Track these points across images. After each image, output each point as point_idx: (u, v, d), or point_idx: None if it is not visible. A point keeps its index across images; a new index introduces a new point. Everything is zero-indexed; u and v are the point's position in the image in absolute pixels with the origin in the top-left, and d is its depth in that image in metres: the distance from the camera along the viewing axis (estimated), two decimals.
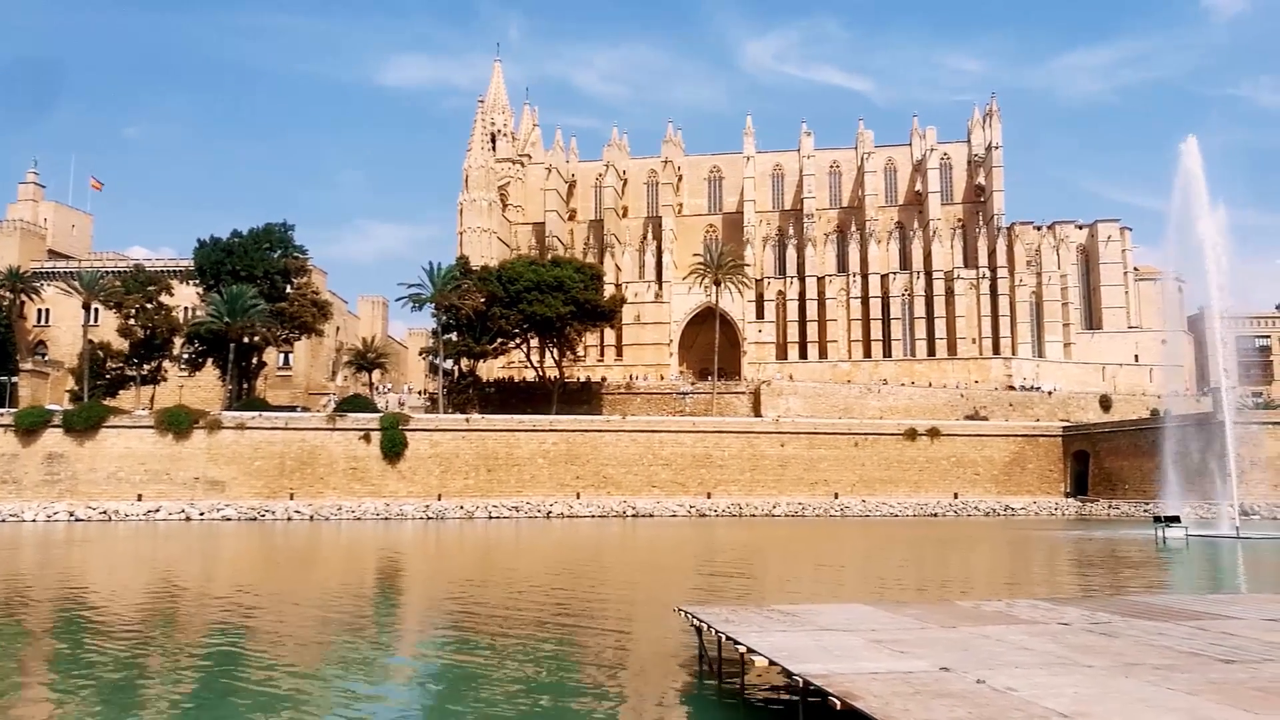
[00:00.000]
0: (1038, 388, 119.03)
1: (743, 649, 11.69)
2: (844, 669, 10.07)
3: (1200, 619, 14.11)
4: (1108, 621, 13.67)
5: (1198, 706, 8.51)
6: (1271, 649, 11.59)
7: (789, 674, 10.12)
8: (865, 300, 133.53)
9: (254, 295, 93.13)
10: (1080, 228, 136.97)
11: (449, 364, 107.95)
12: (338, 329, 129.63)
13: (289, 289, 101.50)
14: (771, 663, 10.76)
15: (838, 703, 8.79)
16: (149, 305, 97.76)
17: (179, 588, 33.33)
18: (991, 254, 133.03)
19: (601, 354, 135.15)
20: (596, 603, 27.88)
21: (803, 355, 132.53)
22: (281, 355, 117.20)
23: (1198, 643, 11.95)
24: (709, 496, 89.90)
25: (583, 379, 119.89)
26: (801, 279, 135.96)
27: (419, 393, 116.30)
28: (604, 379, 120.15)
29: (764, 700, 13.10)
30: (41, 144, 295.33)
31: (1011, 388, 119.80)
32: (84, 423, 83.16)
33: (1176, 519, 47.53)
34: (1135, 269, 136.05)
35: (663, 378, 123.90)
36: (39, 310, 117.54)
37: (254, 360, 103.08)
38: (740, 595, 27.33)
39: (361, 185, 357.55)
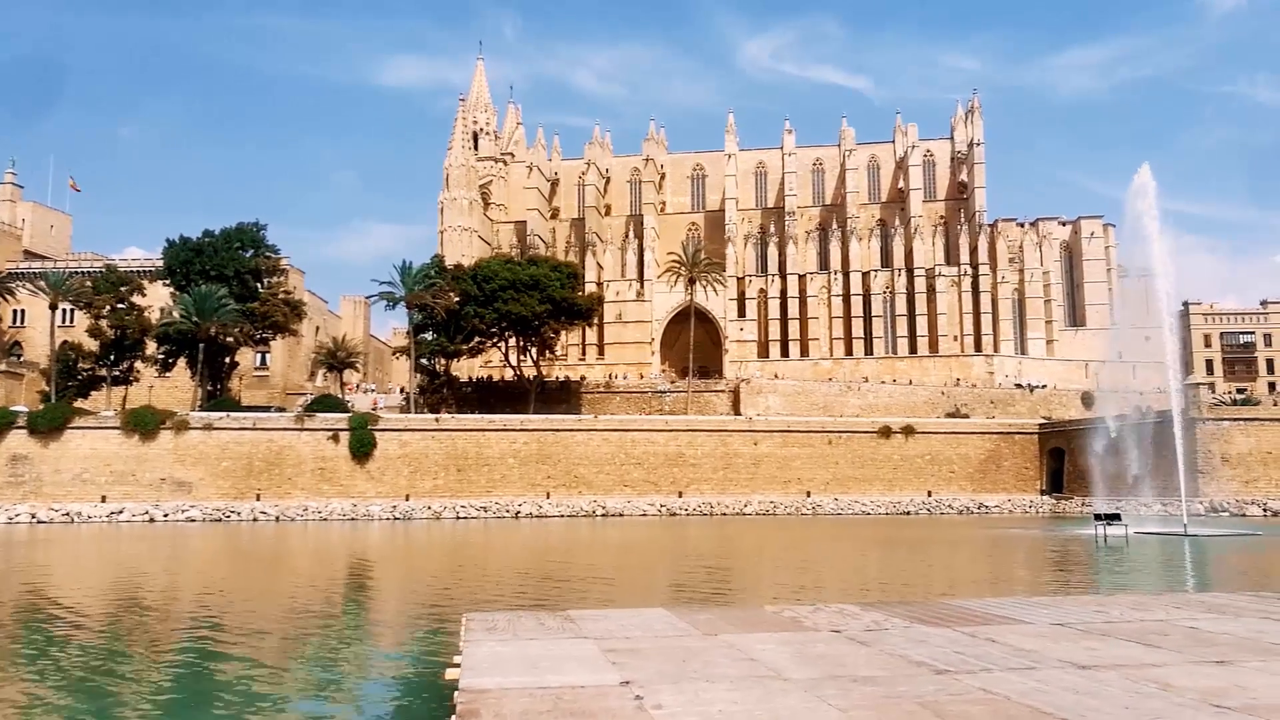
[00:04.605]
0: (1025, 385, 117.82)
1: (458, 659, 11.19)
2: (518, 683, 9.52)
3: (989, 624, 13.53)
4: (886, 629, 13.09)
5: None
6: (1014, 656, 11.01)
7: (455, 686, 9.61)
8: (847, 298, 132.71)
9: (224, 295, 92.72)
10: (1064, 224, 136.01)
11: (426, 362, 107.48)
12: (317, 329, 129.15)
13: (261, 289, 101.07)
14: (463, 675, 10.21)
15: None
16: (120, 305, 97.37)
17: (142, 589, 32.95)
18: (974, 251, 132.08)
19: (583, 353, 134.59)
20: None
21: (784, 353, 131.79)
22: (258, 355, 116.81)
23: (944, 651, 11.37)
24: (680, 495, 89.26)
25: (563, 378, 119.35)
26: (783, 277, 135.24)
27: (400, 390, 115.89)
28: (583, 378, 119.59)
29: None
30: (33, 145, 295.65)
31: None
32: (48, 424, 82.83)
33: (1117, 516, 46.97)
34: (1119, 265, 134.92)
35: (643, 376, 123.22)
36: (14, 311, 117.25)
37: (227, 360, 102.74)
38: (662, 598, 26.74)
39: (357, 186, 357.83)
